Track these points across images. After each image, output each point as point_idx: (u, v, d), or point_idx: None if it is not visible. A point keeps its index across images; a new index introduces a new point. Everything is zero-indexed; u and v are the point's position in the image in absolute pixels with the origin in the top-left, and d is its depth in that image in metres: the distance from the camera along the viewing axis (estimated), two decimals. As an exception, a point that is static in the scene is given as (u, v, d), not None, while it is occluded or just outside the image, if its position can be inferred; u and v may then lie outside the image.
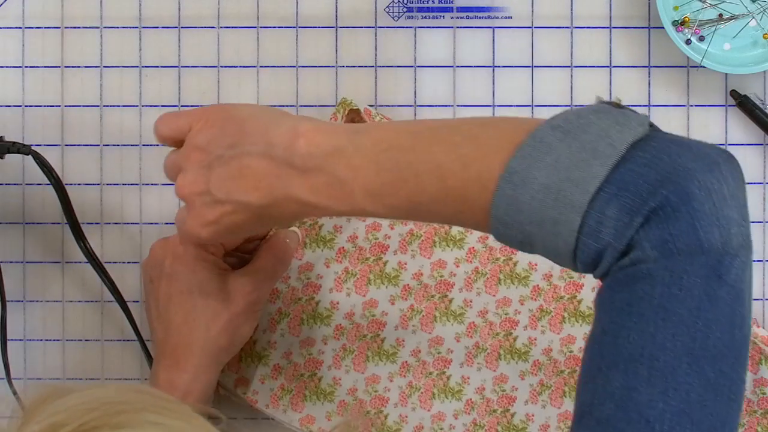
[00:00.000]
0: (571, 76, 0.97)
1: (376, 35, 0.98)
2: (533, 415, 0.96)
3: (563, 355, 0.95)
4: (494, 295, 0.96)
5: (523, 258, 0.95)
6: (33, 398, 0.64)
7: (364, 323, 0.96)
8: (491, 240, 0.95)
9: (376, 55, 0.97)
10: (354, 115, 0.95)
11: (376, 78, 0.98)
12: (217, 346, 0.90)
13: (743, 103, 0.96)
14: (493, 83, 0.97)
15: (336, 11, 0.98)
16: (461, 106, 0.97)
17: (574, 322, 0.95)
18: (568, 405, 0.95)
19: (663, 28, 0.94)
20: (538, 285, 0.96)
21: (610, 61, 0.97)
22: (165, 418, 0.63)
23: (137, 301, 0.97)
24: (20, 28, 0.98)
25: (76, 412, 0.62)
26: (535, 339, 0.95)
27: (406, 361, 0.95)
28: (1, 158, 0.92)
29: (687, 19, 0.95)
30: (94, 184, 0.98)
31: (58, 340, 0.98)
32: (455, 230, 0.96)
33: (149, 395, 0.65)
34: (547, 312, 0.95)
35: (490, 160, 0.71)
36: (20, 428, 0.62)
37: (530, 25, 0.97)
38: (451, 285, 0.96)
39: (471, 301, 0.95)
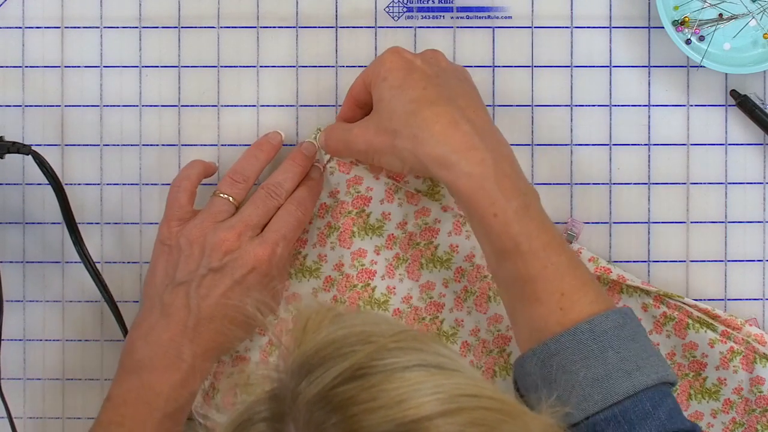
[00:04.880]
0: (571, 76, 0.97)
1: (376, 35, 0.98)
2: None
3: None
4: (485, 313, 0.96)
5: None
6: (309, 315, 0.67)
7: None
8: (478, 258, 0.96)
9: (376, 55, 0.97)
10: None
11: (376, 78, 0.98)
12: None
13: (743, 103, 0.96)
14: (493, 83, 0.97)
15: (336, 11, 0.98)
16: (461, 106, 0.97)
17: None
18: None
19: (663, 28, 0.94)
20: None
21: (610, 61, 0.97)
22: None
23: (137, 301, 0.98)
24: (20, 28, 0.98)
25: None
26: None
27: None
28: (1, 158, 0.92)
29: (687, 19, 0.95)
30: (94, 184, 0.98)
31: (57, 340, 0.98)
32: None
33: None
34: None
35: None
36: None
37: (530, 25, 0.97)
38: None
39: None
